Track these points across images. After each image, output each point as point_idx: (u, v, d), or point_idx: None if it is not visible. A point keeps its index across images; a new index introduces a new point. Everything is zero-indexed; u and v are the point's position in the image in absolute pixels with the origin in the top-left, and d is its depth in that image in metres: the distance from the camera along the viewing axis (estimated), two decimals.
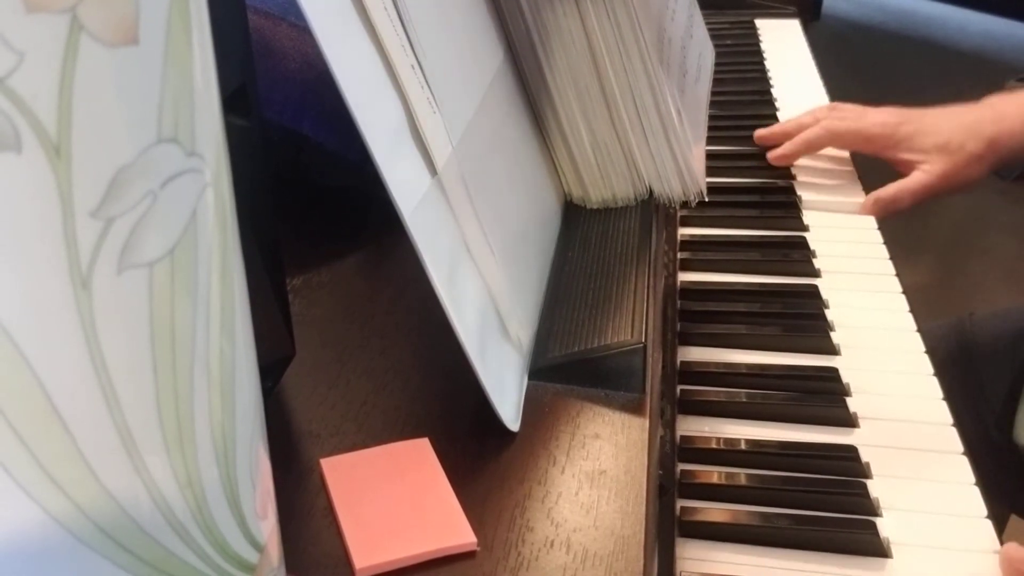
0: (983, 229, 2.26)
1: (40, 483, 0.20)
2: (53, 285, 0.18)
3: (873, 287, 0.75)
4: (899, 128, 0.86)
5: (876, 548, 0.51)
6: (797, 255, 0.78)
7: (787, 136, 0.89)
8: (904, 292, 0.75)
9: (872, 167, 0.91)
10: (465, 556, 0.40)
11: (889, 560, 0.51)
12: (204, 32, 0.21)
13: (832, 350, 0.67)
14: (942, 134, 0.84)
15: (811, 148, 0.89)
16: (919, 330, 0.70)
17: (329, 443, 0.45)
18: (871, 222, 0.84)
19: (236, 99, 0.39)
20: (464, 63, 0.52)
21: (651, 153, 0.64)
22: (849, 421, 0.61)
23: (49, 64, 0.17)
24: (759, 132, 0.92)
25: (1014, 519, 0.91)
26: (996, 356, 0.85)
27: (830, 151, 0.91)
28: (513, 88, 0.62)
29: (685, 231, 0.81)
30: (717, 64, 1.00)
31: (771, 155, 0.89)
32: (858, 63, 2.94)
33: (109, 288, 0.19)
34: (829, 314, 0.70)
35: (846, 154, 0.92)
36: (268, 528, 0.27)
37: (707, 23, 0.96)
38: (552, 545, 0.40)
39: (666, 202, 0.66)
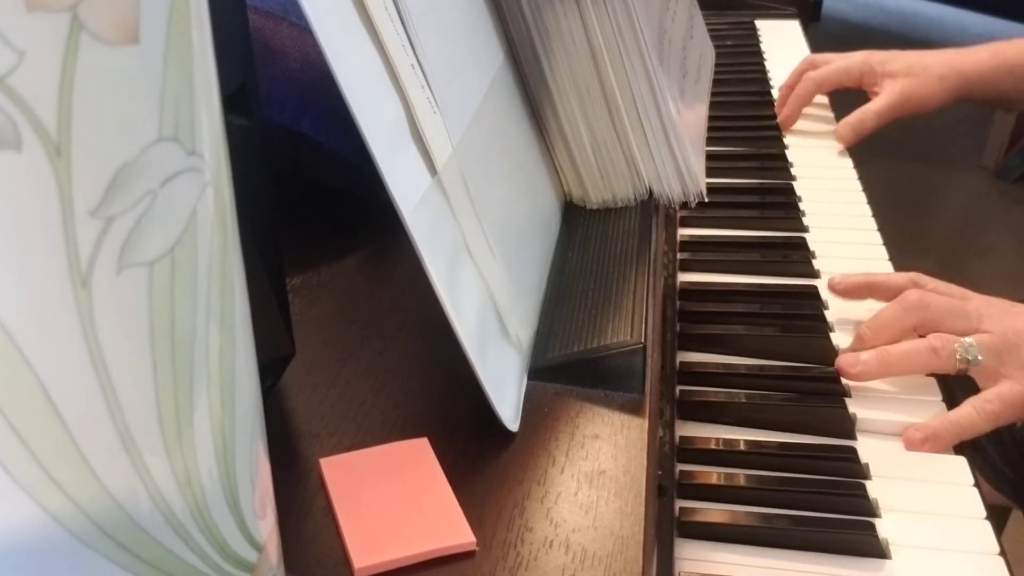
0: (982, 230, 2.26)
1: (39, 482, 0.20)
2: (53, 284, 0.18)
3: None
4: (872, 56, 0.98)
5: (875, 549, 0.51)
6: (797, 256, 0.78)
7: (783, 100, 1.01)
8: None
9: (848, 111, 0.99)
10: (464, 556, 0.40)
11: (888, 561, 0.51)
12: (205, 31, 0.21)
13: (832, 351, 0.67)
14: (910, 60, 0.96)
15: (805, 101, 1.00)
16: None
17: (328, 442, 0.45)
18: (871, 223, 0.84)
19: (236, 98, 0.39)
20: (465, 63, 0.52)
21: (651, 153, 0.64)
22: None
23: (49, 63, 0.17)
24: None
25: (1016, 514, 0.91)
26: None
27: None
28: (513, 88, 0.62)
29: (685, 232, 0.81)
30: (717, 65, 1.01)
31: (780, 120, 1.00)
32: None
33: (109, 287, 0.19)
34: (829, 315, 0.70)
35: (829, 113, 1.03)
36: (267, 527, 0.27)
37: (707, 24, 0.97)
38: (551, 545, 0.40)
39: (666, 203, 0.66)
